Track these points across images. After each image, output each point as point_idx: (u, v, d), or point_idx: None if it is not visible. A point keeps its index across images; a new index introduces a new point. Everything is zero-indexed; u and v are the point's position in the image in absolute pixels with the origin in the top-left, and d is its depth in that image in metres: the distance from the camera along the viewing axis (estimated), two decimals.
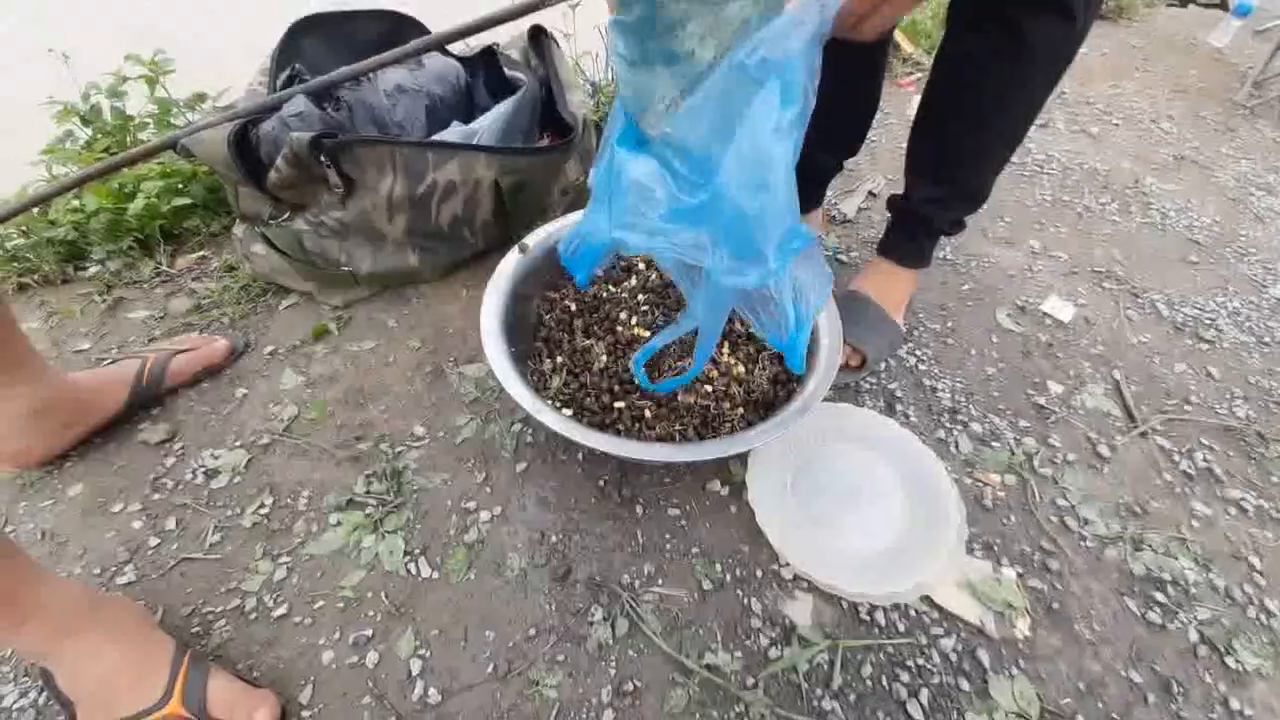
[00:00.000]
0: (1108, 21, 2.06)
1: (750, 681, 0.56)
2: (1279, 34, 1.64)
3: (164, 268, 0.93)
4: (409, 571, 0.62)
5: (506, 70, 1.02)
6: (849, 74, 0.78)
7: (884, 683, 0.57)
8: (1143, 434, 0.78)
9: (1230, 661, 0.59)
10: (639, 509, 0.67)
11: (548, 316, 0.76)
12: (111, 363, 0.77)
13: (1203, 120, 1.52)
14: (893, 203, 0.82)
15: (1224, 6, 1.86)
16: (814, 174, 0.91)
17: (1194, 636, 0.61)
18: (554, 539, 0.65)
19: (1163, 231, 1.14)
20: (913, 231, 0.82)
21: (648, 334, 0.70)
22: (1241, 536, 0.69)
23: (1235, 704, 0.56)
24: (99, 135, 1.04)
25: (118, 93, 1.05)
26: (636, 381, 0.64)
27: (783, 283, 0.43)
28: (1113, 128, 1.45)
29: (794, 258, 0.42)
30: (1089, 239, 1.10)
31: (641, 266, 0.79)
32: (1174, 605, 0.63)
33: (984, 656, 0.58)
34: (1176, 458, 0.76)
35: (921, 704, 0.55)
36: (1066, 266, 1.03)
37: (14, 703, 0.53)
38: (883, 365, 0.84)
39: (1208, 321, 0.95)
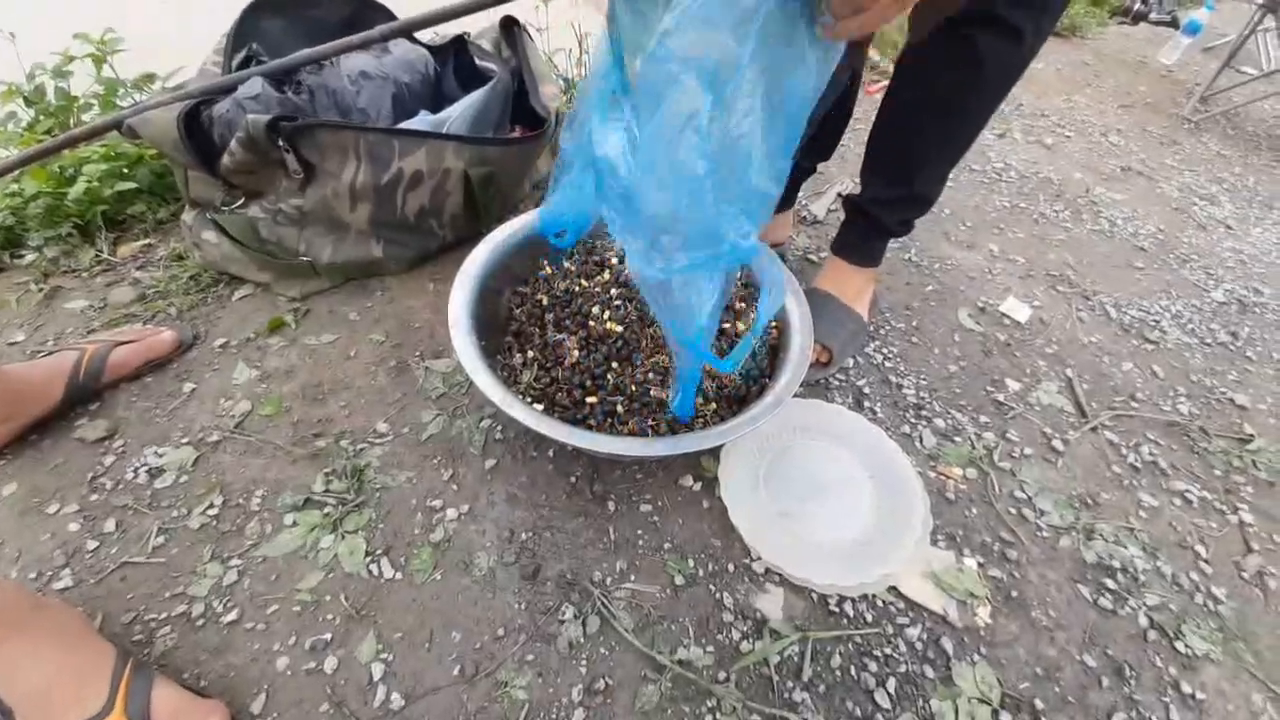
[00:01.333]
0: (1062, 38, 2.16)
1: (722, 676, 0.56)
2: (1226, 51, 1.75)
3: (105, 256, 0.88)
4: (370, 573, 0.59)
5: (478, 60, 0.99)
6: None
7: (853, 673, 0.57)
8: (1093, 429, 0.81)
9: (1180, 646, 0.62)
10: (611, 505, 0.67)
11: (518, 310, 0.74)
12: (47, 355, 0.72)
13: (1149, 134, 1.60)
14: (847, 202, 0.85)
15: (1174, 24, 1.97)
16: (791, 178, 0.93)
17: (1144, 621, 0.63)
18: (524, 536, 0.63)
19: (1111, 238, 1.19)
20: (864, 231, 0.85)
21: (620, 328, 0.70)
22: (1187, 526, 0.72)
23: (1186, 687, 0.59)
24: (41, 116, 0.98)
25: (63, 72, 0.99)
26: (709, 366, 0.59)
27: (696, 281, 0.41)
28: (1065, 139, 1.52)
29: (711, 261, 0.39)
30: (1044, 244, 1.15)
31: (614, 261, 0.78)
32: (1124, 591, 0.65)
33: (947, 644, 0.60)
34: (1124, 451, 0.79)
35: (889, 692, 0.56)
36: (1023, 269, 1.07)
37: None
38: (851, 362, 0.85)
39: (1152, 323, 1.00)
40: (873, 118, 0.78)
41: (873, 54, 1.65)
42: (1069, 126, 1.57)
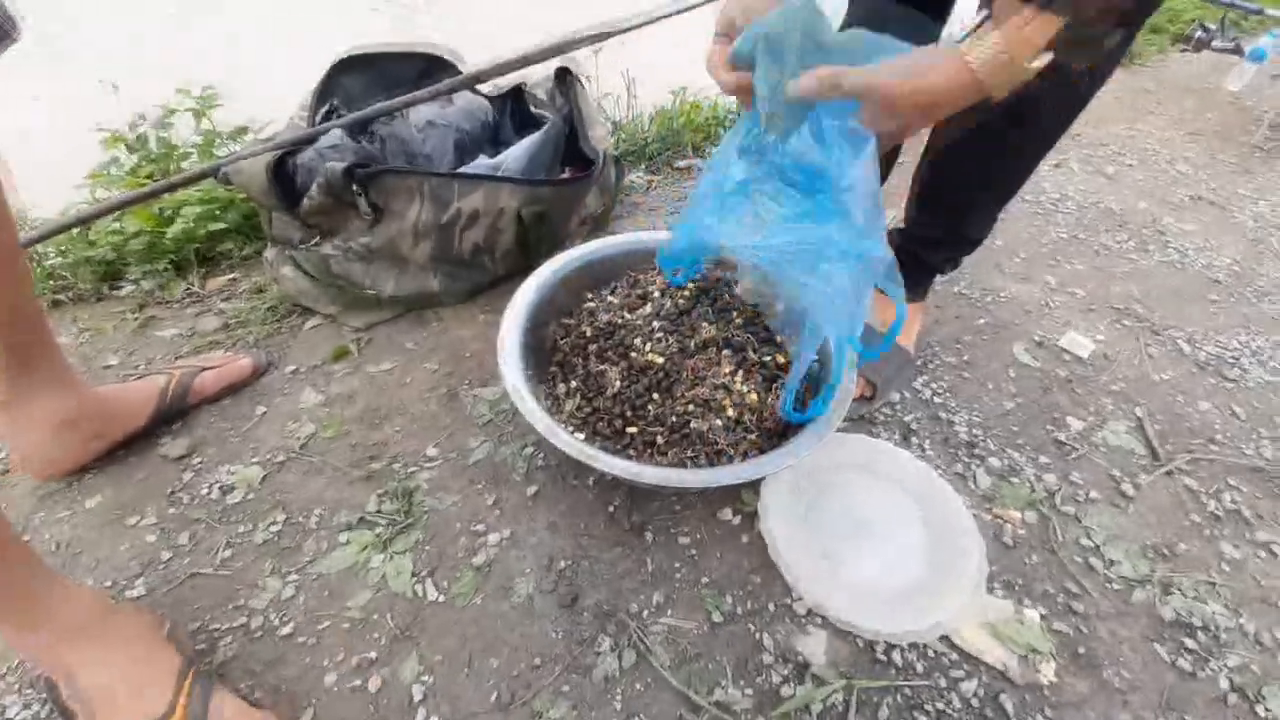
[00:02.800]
0: (1120, 66, 2.09)
1: None
2: None
3: (195, 288, 0.96)
4: (415, 593, 0.61)
5: (532, 108, 1.06)
6: None
7: None
8: (1168, 473, 0.76)
9: (1260, 710, 0.56)
10: (649, 536, 0.67)
11: (563, 341, 0.77)
12: (138, 378, 0.80)
13: (1219, 161, 1.52)
14: (891, 238, 0.84)
15: (1238, 51, 1.89)
16: None
17: (1224, 684, 0.58)
18: (562, 564, 0.64)
19: (1182, 269, 1.13)
20: (908, 268, 0.82)
21: (661, 360, 0.71)
22: (1272, 581, 0.66)
23: None
24: (143, 162, 1.10)
25: (166, 124, 1.11)
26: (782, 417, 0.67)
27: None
28: (1128, 168, 1.46)
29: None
30: (1107, 276, 1.10)
31: (656, 294, 0.80)
32: (1204, 652, 0.60)
33: (1008, 702, 0.56)
34: (1204, 498, 0.73)
35: None
36: (1084, 303, 1.03)
37: (17, 714, 0.53)
38: (897, 397, 0.83)
39: (1231, 360, 0.93)
40: (916, 151, 0.78)
41: None
42: (1131, 155, 1.52)
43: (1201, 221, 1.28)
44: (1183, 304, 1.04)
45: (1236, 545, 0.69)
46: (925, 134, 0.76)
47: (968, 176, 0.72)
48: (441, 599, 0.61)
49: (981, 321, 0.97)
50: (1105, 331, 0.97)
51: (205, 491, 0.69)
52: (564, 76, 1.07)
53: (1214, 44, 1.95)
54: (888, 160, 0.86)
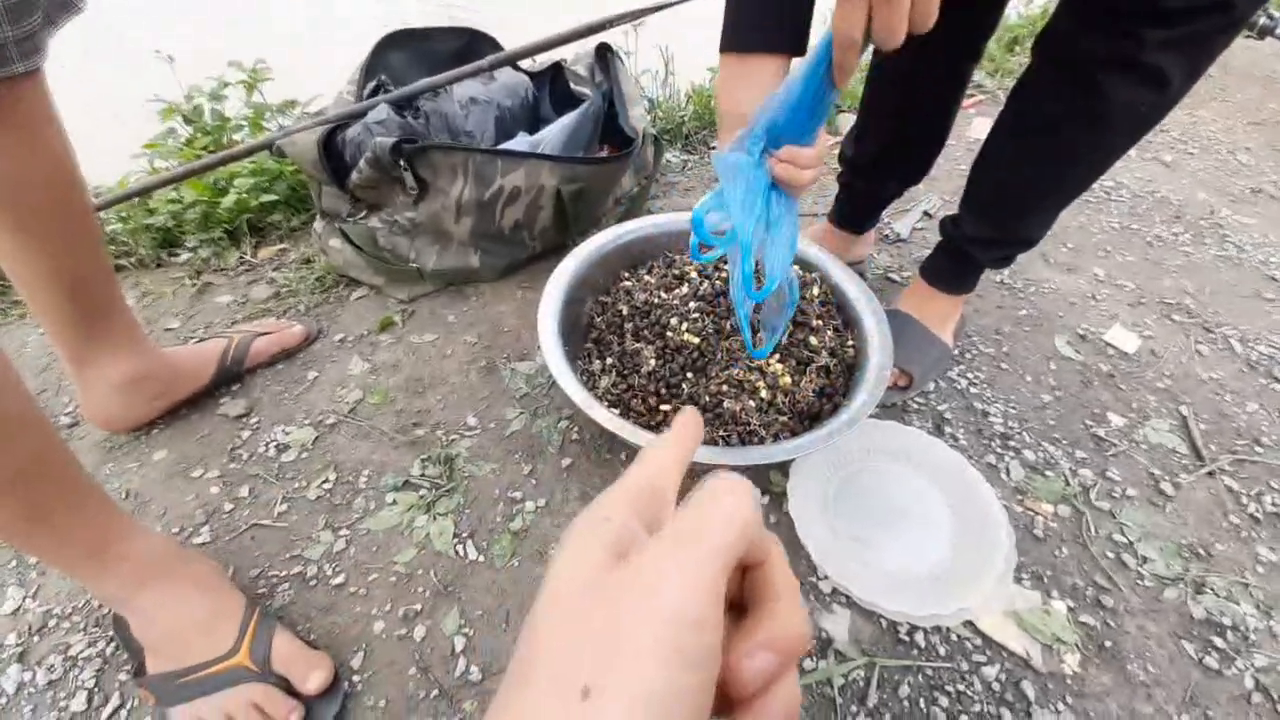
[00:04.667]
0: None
1: None
2: None
3: (248, 257, 1.00)
4: (457, 553, 0.65)
5: (572, 85, 1.06)
6: (925, 109, 0.78)
7: (921, 705, 0.56)
8: (1210, 473, 0.74)
9: None
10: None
11: (599, 319, 0.79)
12: (199, 341, 0.84)
13: None
14: (943, 227, 0.80)
15: None
16: (877, 200, 0.92)
17: (1249, 684, 0.58)
18: None
19: (1239, 265, 1.09)
20: (957, 262, 0.80)
21: (697, 340, 0.72)
22: None
23: None
24: (198, 134, 1.14)
25: (219, 96, 1.14)
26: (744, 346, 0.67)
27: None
28: (1187, 156, 1.39)
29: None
30: (1158, 269, 1.06)
31: (694, 275, 0.80)
32: (1232, 651, 0.60)
33: (1029, 689, 0.57)
34: (1244, 500, 0.72)
35: None
36: (1133, 296, 1.00)
37: (81, 651, 0.57)
38: (931, 385, 0.83)
39: None
40: (963, 135, 0.76)
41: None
42: (1192, 143, 1.45)
43: (1261, 215, 1.22)
44: (1237, 301, 1.01)
45: (1274, 548, 0.68)
46: (969, 119, 0.74)
47: (1030, 182, 0.68)
48: (481, 559, 0.64)
49: (1023, 313, 0.95)
50: (1153, 326, 0.94)
51: (262, 449, 0.73)
52: (604, 54, 1.06)
53: (1277, 31, 1.84)
54: (932, 144, 0.84)
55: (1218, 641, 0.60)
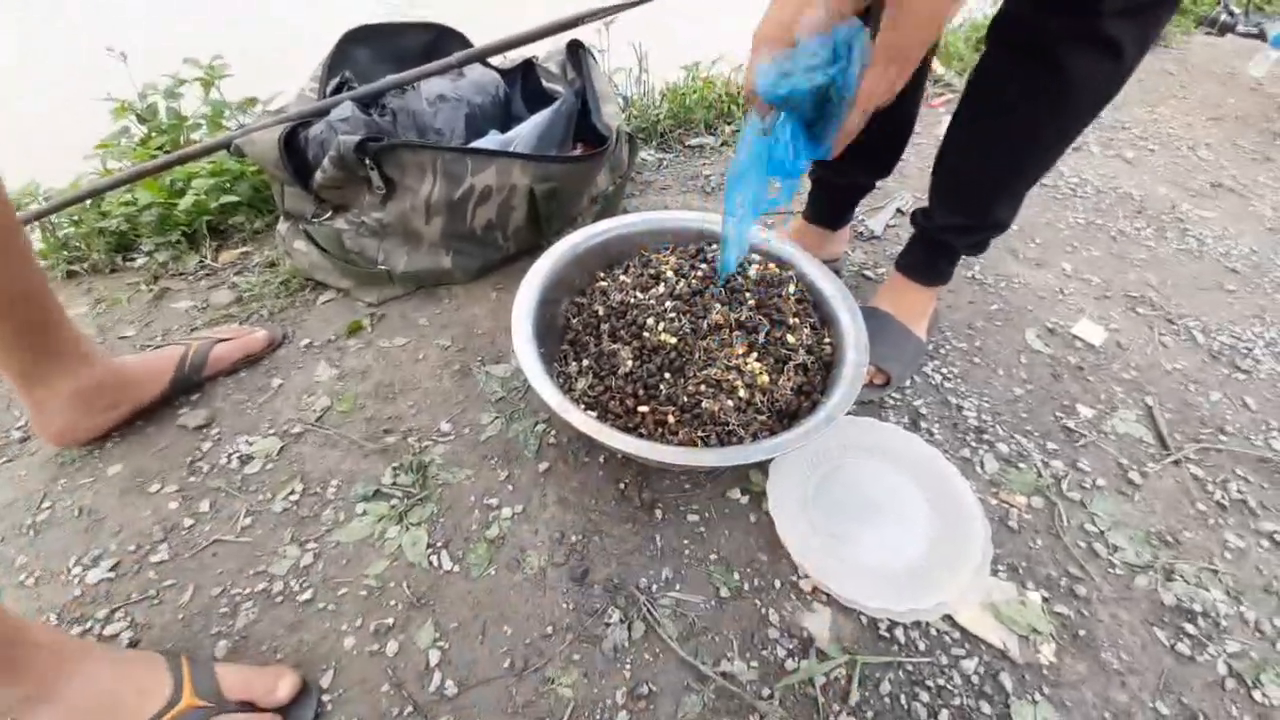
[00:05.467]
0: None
1: (766, 692, 0.56)
2: None
3: (208, 261, 0.97)
4: (431, 564, 0.63)
5: (544, 82, 1.04)
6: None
7: (903, 701, 0.56)
8: (1176, 462, 0.76)
9: (1257, 695, 0.57)
10: (658, 513, 0.68)
11: (575, 320, 0.77)
12: (156, 349, 0.81)
13: (1240, 148, 1.49)
14: (915, 219, 0.82)
15: (1262, 37, 1.84)
16: (848, 195, 0.92)
17: (1222, 669, 0.59)
18: (573, 539, 0.65)
19: (1200, 258, 1.12)
20: (932, 252, 0.82)
21: (673, 340, 0.71)
22: (1274, 570, 0.67)
23: None
24: (154, 133, 1.10)
25: (174, 94, 1.10)
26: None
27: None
28: (1148, 153, 1.43)
29: None
30: (1123, 263, 1.09)
31: (670, 275, 0.80)
32: (1204, 637, 0.61)
33: (1007, 680, 0.57)
34: (1210, 488, 0.74)
35: None
36: (1099, 290, 1.02)
37: None
38: (908, 381, 0.83)
39: (1244, 351, 0.93)
40: (933, 133, 0.76)
41: (937, 66, 1.61)
42: (1152, 139, 1.49)
43: (1221, 209, 1.26)
44: (1198, 293, 1.04)
45: (1240, 534, 0.70)
46: (940, 118, 0.75)
47: (995, 163, 0.69)
48: (456, 569, 0.62)
49: (994, 307, 0.96)
50: (1119, 319, 0.96)
51: (224, 461, 0.70)
52: (576, 51, 1.05)
53: (1238, 29, 1.90)
54: (897, 135, 0.84)
55: (1189, 628, 0.61)
